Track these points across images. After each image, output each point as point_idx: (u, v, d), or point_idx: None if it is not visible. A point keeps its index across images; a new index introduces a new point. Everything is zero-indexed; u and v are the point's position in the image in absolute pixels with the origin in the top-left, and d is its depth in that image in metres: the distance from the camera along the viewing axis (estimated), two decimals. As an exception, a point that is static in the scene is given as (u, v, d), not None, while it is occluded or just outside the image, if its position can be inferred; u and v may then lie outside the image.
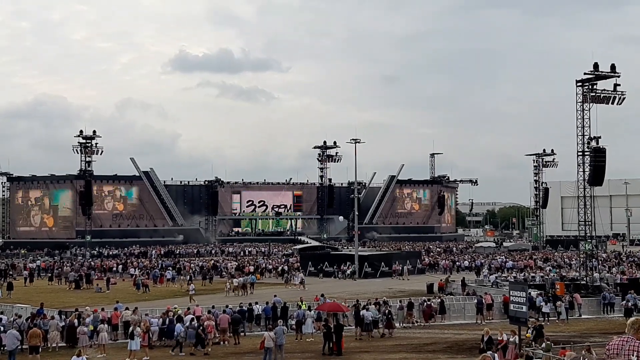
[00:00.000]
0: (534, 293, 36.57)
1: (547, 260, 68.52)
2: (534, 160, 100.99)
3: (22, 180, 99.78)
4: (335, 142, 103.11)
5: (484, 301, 35.55)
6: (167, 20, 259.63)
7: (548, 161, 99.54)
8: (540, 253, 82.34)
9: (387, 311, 31.66)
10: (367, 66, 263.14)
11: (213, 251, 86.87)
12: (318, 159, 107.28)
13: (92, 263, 65.49)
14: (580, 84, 46.71)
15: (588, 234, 46.76)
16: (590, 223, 46.71)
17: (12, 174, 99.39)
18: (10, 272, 58.33)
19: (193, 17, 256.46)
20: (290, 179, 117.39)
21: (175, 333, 27.22)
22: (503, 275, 52.27)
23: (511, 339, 22.63)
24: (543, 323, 26.30)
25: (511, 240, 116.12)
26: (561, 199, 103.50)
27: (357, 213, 64.70)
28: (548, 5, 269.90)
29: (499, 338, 22.60)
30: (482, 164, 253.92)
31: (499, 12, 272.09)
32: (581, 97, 46.62)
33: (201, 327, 27.50)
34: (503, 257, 72.10)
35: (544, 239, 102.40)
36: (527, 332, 24.50)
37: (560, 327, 33.04)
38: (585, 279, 45.39)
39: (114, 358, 26.23)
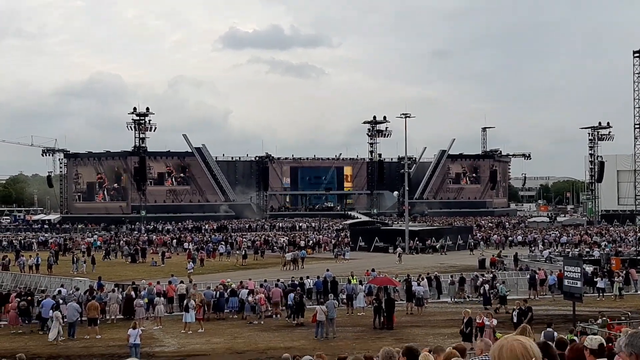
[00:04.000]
0: (588, 268, 36.01)
1: (602, 235, 67.23)
2: (589, 134, 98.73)
3: (78, 156, 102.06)
4: (385, 117, 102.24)
5: (537, 276, 35.17)
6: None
7: (604, 134, 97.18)
8: (596, 228, 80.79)
9: (501, 287, 31.62)
10: (417, 41, 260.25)
11: (265, 226, 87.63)
12: (368, 134, 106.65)
13: (152, 237, 66.84)
14: (638, 54, 45.42)
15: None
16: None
17: (69, 151, 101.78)
18: (70, 247, 60.08)
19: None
20: (340, 154, 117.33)
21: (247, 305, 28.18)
22: (557, 250, 51.58)
23: (487, 322, 22.70)
24: (530, 305, 26.24)
25: (565, 215, 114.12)
26: (617, 172, 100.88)
27: (407, 188, 64.42)
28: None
29: (477, 321, 22.69)
30: (535, 138, 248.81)
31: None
32: (639, 69, 45.35)
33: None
34: (557, 232, 71.08)
35: (599, 214, 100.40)
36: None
37: (615, 303, 32.55)
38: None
39: (170, 330, 26.88)
